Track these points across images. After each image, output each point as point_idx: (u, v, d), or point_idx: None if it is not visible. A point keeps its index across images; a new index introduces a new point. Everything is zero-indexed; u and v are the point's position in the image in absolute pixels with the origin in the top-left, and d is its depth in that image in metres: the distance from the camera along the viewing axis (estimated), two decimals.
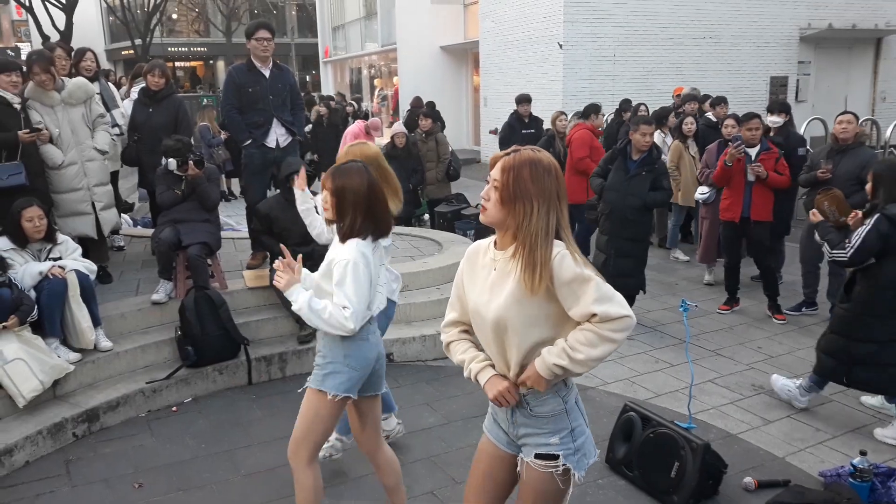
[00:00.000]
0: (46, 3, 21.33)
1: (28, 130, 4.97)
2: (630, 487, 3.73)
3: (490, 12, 16.82)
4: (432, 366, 5.35)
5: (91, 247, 5.48)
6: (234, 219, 9.94)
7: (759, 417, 4.49)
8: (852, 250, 4.14)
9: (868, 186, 4.37)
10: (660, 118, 8.60)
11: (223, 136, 11.60)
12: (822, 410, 4.58)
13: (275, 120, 5.87)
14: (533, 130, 9.74)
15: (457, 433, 4.32)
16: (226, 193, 12.47)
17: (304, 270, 2.94)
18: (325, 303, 2.75)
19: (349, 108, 15.93)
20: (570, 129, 8.41)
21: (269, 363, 5.13)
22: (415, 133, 9.38)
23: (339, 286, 2.76)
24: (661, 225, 8.83)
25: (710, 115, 8.38)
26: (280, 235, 5.44)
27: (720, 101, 8.55)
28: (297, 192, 3.70)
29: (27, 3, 22.07)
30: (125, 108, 6.58)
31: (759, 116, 6.33)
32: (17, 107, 5.07)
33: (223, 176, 12.18)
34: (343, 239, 2.83)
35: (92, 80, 6.11)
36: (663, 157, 8.17)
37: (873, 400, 4.57)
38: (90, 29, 32.54)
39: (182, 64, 41.66)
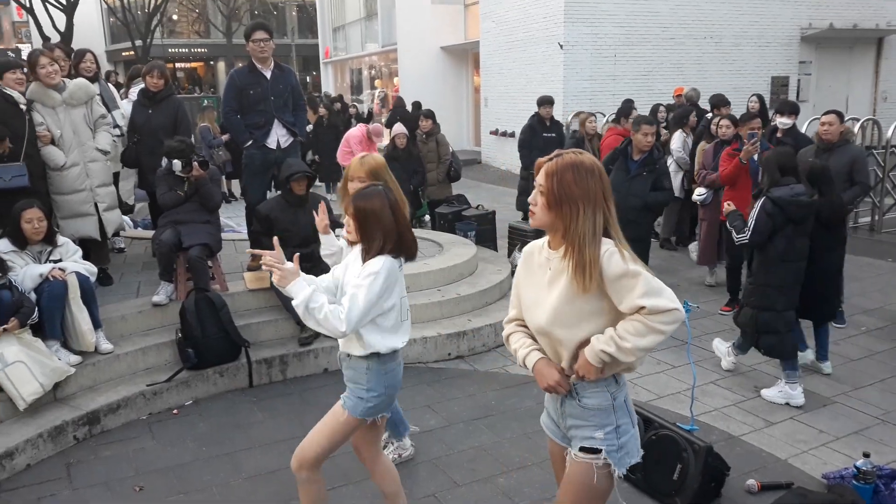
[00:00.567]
0: (47, 5, 21.35)
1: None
2: (632, 490, 3.72)
3: (490, 12, 16.82)
4: (433, 368, 5.33)
5: (92, 249, 5.47)
6: (234, 220, 9.93)
7: (762, 419, 4.47)
8: (749, 232, 4.68)
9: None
10: (681, 118, 8.42)
11: (224, 137, 11.60)
12: (825, 412, 4.57)
13: (276, 121, 5.87)
14: (554, 134, 9.33)
15: (458, 435, 4.31)
16: (226, 195, 12.46)
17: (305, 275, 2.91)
18: (322, 302, 2.69)
19: (352, 110, 15.93)
20: (604, 133, 8.21)
21: (269, 365, 5.12)
22: (415, 133, 9.36)
23: (354, 288, 2.74)
24: (667, 226, 8.78)
25: (710, 116, 8.35)
26: (280, 237, 5.42)
27: (723, 101, 8.47)
28: (321, 237, 3.51)
29: (28, 4, 22.09)
30: (125, 108, 6.58)
31: (758, 116, 6.31)
32: (24, 107, 5.07)
33: (223, 177, 12.18)
34: (366, 257, 2.81)
35: (92, 80, 6.10)
36: (680, 157, 8.12)
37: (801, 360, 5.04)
38: (91, 30, 32.57)
39: (182, 65, 41.67)
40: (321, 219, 3.45)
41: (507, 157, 16.80)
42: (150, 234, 6.44)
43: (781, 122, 7.04)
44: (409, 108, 15.09)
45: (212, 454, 4.15)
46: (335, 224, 3.76)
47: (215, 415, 4.65)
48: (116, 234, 6.36)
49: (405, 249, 2.87)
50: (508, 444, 4.19)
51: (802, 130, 8.74)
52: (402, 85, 20.74)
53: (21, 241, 4.57)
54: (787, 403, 4.65)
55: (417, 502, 3.63)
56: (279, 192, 5.52)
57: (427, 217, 9.54)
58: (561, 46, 14.20)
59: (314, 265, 5.42)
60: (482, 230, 8.04)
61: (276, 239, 2.90)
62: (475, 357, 5.52)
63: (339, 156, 10.80)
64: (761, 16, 15.49)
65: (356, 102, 17.17)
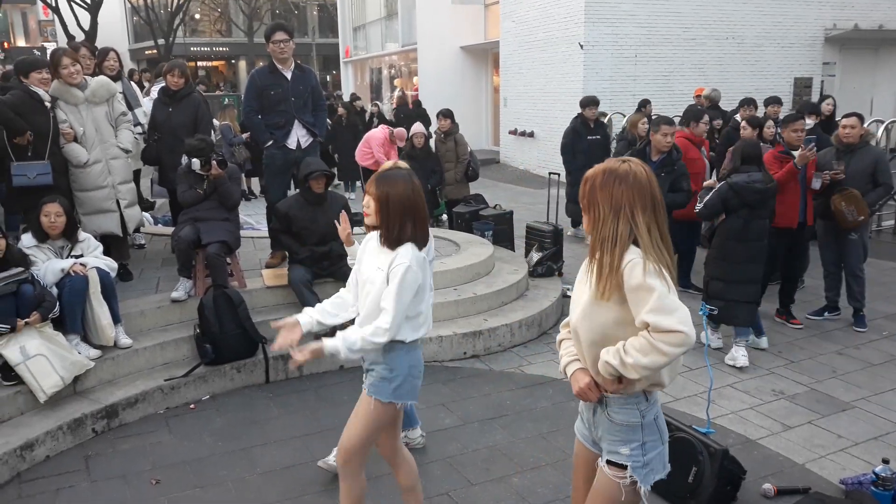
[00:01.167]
0: (72, 4, 21.61)
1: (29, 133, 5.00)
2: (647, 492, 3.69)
3: (511, 12, 16.79)
4: (449, 367, 5.34)
5: (112, 245, 5.53)
6: (254, 218, 9.99)
7: (780, 423, 4.43)
8: (702, 207, 5.34)
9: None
10: (689, 117, 8.29)
11: (245, 136, 11.68)
12: (844, 417, 4.51)
13: (296, 121, 5.90)
14: (599, 136, 8.98)
15: (473, 435, 4.31)
16: (246, 192, 12.55)
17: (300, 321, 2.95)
18: (354, 338, 2.74)
19: (373, 109, 15.94)
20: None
21: (286, 362, 5.15)
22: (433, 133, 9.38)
23: (389, 291, 2.73)
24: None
25: (738, 117, 8.21)
26: (299, 235, 5.47)
27: (748, 102, 8.35)
28: (347, 248, 3.53)
29: (53, 4, 22.37)
30: (147, 107, 6.65)
31: (803, 117, 6.03)
32: (48, 104, 5.14)
33: (243, 175, 12.27)
34: (392, 246, 2.78)
35: (115, 79, 6.17)
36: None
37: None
38: (114, 29, 32.95)
39: (204, 63, 42.03)
40: (343, 228, 3.46)
41: (526, 157, 16.78)
42: (170, 230, 6.51)
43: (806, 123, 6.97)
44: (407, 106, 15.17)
45: (228, 449, 4.18)
46: (355, 223, 3.77)
47: (232, 410, 4.69)
48: (137, 230, 6.44)
49: (422, 241, 2.85)
50: (523, 444, 4.18)
51: None
52: (421, 84, 20.77)
53: (41, 235, 4.64)
54: (732, 365, 5.19)
55: (431, 501, 3.63)
56: (298, 191, 5.56)
57: (444, 216, 9.55)
58: (581, 46, 14.14)
59: (332, 263, 5.47)
60: (499, 230, 8.03)
61: (286, 337, 2.88)
62: (491, 357, 5.52)
63: (357, 155, 10.84)
64: (785, 16, 15.33)
65: (377, 102, 17.19)
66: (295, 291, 5.36)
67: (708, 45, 14.89)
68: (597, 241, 2.20)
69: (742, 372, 5.19)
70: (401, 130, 10.19)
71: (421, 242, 2.84)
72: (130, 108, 6.35)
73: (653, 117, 7.47)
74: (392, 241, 2.78)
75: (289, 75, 5.86)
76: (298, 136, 5.96)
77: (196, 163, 5.28)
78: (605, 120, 13.69)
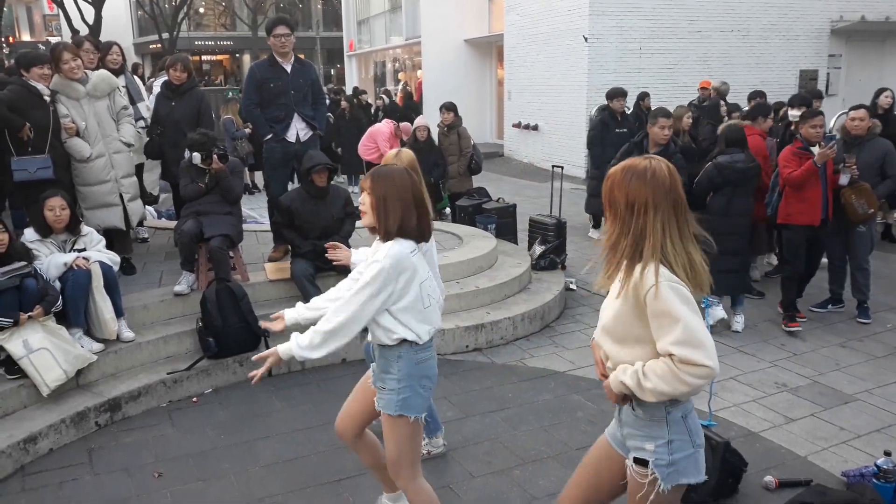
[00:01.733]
0: None
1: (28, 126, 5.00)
2: None
3: (515, 5, 16.74)
4: (451, 360, 5.34)
5: (115, 238, 5.55)
6: (257, 211, 10.02)
7: (782, 416, 4.42)
8: (694, 187, 5.58)
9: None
10: (712, 112, 7.94)
11: (248, 129, 11.69)
12: (847, 409, 4.50)
13: (295, 114, 5.90)
14: (626, 129, 8.69)
15: (474, 428, 4.31)
16: (249, 186, 12.56)
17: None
18: (305, 333, 2.74)
19: (378, 102, 15.92)
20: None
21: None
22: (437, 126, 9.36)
23: (356, 286, 2.72)
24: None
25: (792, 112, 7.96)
26: (301, 228, 5.47)
27: (759, 94, 8.18)
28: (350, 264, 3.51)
29: None
30: (150, 101, 6.65)
31: (822, 113, 5.87)
32: (48, 99, 5.14)
33: (246, 169, 12.28)
34: (385, 238, 2.75)
35: (118, 73, 6.18)
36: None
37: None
38: (118, 23, 32.96)
39: (208, 57, 42.03)
40: (344, 256, 3.51)
41: (530, 150, 16.74)
42: (173, 224, 6.52)
43: (793, 114, 6.90)
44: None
45: (230, 442, 4.20)
46: (355, 217, 3.79)
47: (234, 403, 4.70)
48: (140, 224, 6.45)
49: (421, 234, 2.81)
50: (524, 436, 4.19)
51: (830, 125, 8.60)
52: (425, 77, 20.72)
53: (44, 230, 4.65)
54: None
55: None
56: (300, 184, 5.56)
57: (447, 210, 9.54)
58: (586, 39, 14.09)
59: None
60: (502, 223, 8.02)
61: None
62: (493, 350, 5.52)
63: (361, 150, 10.84)
64: (790, 8, 15.24)
65: (383, 96, 17.11)
66: (297, 285, 5.36)
67: (713, 38, 14.81)
68: (614, 238, 2.20)
69: (744, 364, 5.18)
70: (406, 125, 10.19)
71: (425, 235, 2.84)
72: (133, 102, 6.36)
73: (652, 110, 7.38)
74: (385, 235, 2.74)
75: (289, 68, 5.86)
76: (298, 130, 5.96)
77: (197, 157, 5.29)
78: (595, 113, 13.66)
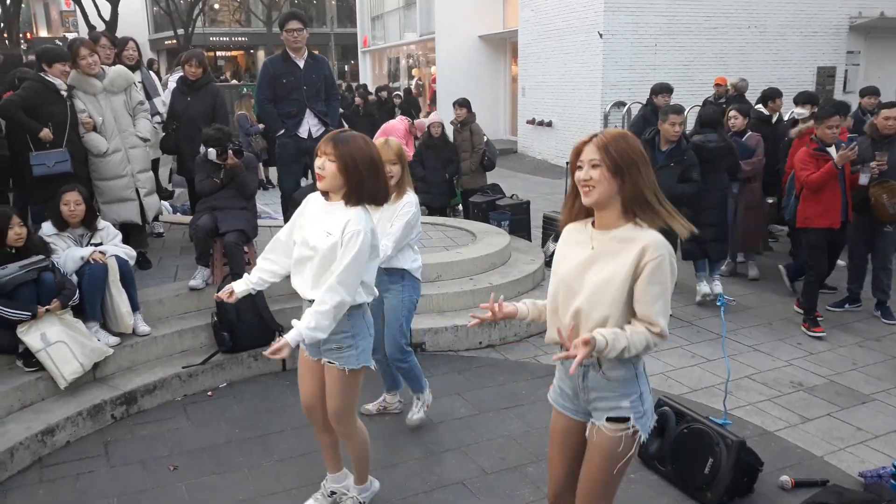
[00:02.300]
0: None
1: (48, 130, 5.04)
2: (662, 483, 3.68)
3: (530, 1, 16.68)
4: (464, 356, 5.34)
5: (131, 233, 5.58)
6: (271, 207, 10.04)
7: (798, 415, 4.39)
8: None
9: None
10: (813, 97, 7.43)
11: (261, 125, 11.74)
12: (864, 409, 4.46)
13: (308, 110, 5.91)
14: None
15: (488, 424, 4.31)
16: (264, 182, 12.60)
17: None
18: (307, 318, 2.81)
19: (396, 100, 15.88)
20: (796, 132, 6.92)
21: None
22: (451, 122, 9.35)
23: (342, 255, 2.80)
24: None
25: (760, 107, 7.90)
26: None
27: (775, 94, 8.04)
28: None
29: None
30: (166, 96, 6.68)
31: (836, 114, 5.71)
32: (64, 94, 5.18)
33: (261, 164, 12.32)
34: (354, 203, 2.85)
35: (134, 68, 6.21)
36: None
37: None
38: (135, 19, 33.11)
39: (223, 53, 42.20)
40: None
41: (544, 147, 16.69)
42: (188, 219, 6.55)
43: (798, 112, 6.81)
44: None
45: (245, 436, 4.22)
46: None
47: (249, 397, 4.73)
48: (156, 218, 6.49)
49: (384, 198, 2.96)
50: (537, 433, 4.17)
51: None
52: (439, 74, 20.72)
53: (61, 224, 4.69)
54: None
55: (446, 489, 3.65)
56: (313, 180, 5.56)
57: (460, 206, 9.54)
58: (600, 35, 14.02)
59: None
60: (516, 220, 8.01)
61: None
62: (506, 346, 5.51)
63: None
64: (808, 4, 15.10)
65: (402, 92, 17.09)
66: None
67: (729, 34, 14.70)
68: (640, 194, 2.29)
69: (760, 363, 5.15)
70: (420, 122, 10.19)
71: (383, 198, 2.95)
72: (149, 97, 6.39)
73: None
74: (353, 200, 2.83)
75: (301, 64, 5.87)
76: (310, 126, 5.97)
77: (212, 152, 5.30)
78: (624, 110, 13.60)
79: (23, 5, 21.84)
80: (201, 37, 33.32)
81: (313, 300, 2.87)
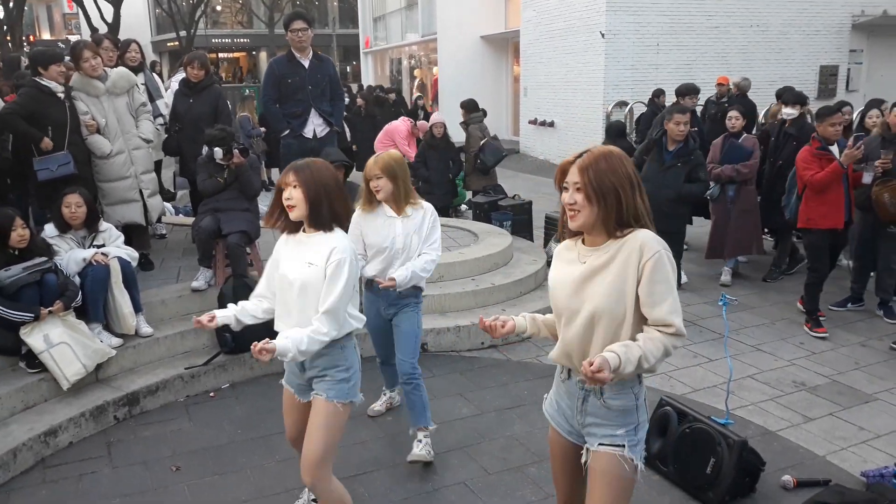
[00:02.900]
0: None
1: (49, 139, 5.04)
2: (664, 482, 3.68)
3: (532, 1, 16.68)
4: (466, 356, 5.34)
5: (134, 234, 5.59)
6: None
7: (800, 415, 4.39)
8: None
9: None
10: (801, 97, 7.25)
11: (263, 130, 11.77)
12: (866, 409, 4.45)
13: (313, 110, 5.91)
14: (696, 128, 7.99)
15: (490, 424, 4.31)
16: (266, 183, 12.62)
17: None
18: (298, 335, 2.71)
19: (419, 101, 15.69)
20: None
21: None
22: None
23: (331, 283, 2.73)
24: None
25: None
26: None
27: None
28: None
29: None
30: (168, 98, 6.70)
31: (839, 111, 5.65)
32: (61, 96, 5.18)
33: (263, 166, 12.34)
34: (325, 228, 2.78)
35: (136, 70, 6.22)
36: None
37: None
38: (137, 21, 33.16)
39: (226, 55, 42.24)
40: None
41: (546, 147, 16.69)
42: (191, 220, 6.56)
43: (786, 112, 6.72)
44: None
45: (247, 437, 4.22)
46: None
47: (251, 398, 4.73)
48: (159, 220, 6.50)
49: (346, 218, 2.91)
50: (540, 434, 4.17)
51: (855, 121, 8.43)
52: (441, 74, 20.72)
53: (63, 226, 4.70)
54: None
55: (448, 489, 3.65)
56: None
57: (463, 206, 9.55)
58: (602, 35, 14.02)
59: None
60: (518, 220, 8.02)
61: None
62: (508, 347, 5.51)
63: (377, 146, 10.85)
64: (811, 3, 15.08)
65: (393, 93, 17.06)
66: None
67: (732, 33, 14.69)
68: (629, 214, 2.21)
69: (762, 362, 5.14)
70: (423, 123, 10.20)
71: (346, 222, 2.91)
72: (152, 99, 6.41)
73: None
74: (324, 224, 2.77)
75: (306, 64, 5.88)
76: (315, 126, 5.97)
77: (219, 152, 5.30)
78: (626, 110, 13.59)
79: (25, 8, 21.88)
80: (203, 38, 33.37)
81: None
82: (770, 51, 14.95)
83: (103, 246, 4.79)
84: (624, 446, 2.29)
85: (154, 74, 7.31)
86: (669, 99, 9.90)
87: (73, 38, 27.95)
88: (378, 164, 3.62)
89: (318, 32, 6.08)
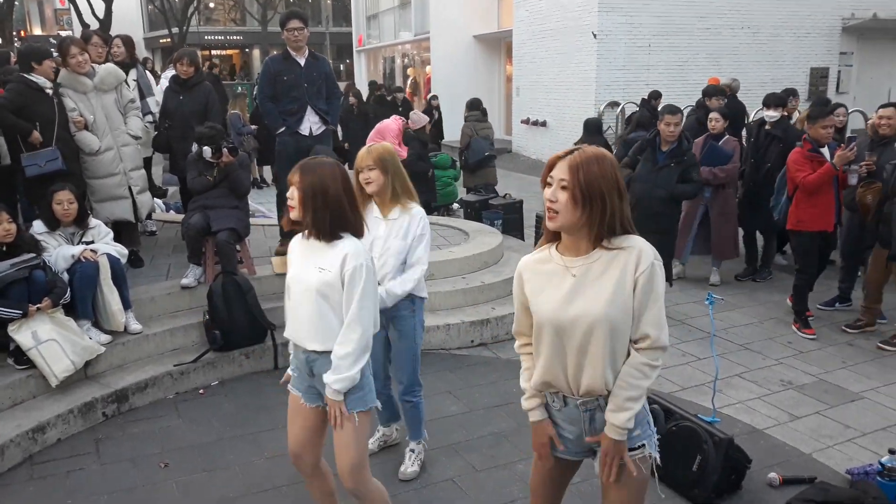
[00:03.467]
0: None
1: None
2: (651, 480, 3.69)
3: (524, 1, 16.69)
4: (456, 354, 5.35)
5: (123, 231, 5.58)
6: (265, 206, 10.05)
7: (787, 413, 4.42)
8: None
9: None
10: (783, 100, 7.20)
11: (254, 127, 11.76)
12: (853, 407, 4.49)
13: (308, 108, 5.91)
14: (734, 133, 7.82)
15: (478, 422, 4.33)
16: (257, 180, 12.61)
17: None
18: (338, 364, 2.66)
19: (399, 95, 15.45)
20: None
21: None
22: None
23: (354, 298, 2.65)
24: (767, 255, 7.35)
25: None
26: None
27: (791, 93, 7.73)
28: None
29: None
30: (159, 95, 6.68)
31: (832, 112, 5.60)
32: (49, 92, 5.16)
33: (255, 163, 12.32)
34: (328, 238, 2.67)
35: (129, 66, 6.20)
36: None
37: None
38: (129, 17, 33.08)
39: (218, 52, 42.14)
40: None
41: (538, 147, 16.72)
42: (180, 217, 6.55)
43: (768, 115, 6.70)
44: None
45: (236, 434, 4.22)
46: None
47: (240, 395, 4.73)
48: (149, 216, 6.48)
49: (353, 229, 2.73)
50: (528, 431, 4.16)
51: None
52: (434, 73, 20.72)
53: (52, 222, 4.69)
54: None
55: (437, 486, 3.66)
56: None
57: (455, 205, 9.57)
58: (594, 36, 14.05)
59: None
60: (509, 219, 8.03)
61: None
62: (498, 345, 5.53)
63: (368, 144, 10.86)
64: (802, 5, 15.15)
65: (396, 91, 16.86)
66: None
67: (723, 35, 14.75)
68: (614, 222, 2.16)
69: (750, 361, 5.18)
70: (414, 121, 10.15)
71: (358, 232, 2.75)
72: (143, 96, 6.39)
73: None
74: (326, 233, 2.65)
75: (302, 62, 5.88)
76: (311, 124, 5.97)
77: (207, 150, 5.30)
78: (618, 110, 13.63)
79: (16, 3, 21.76)
80: (196, 35, 33.29)
81: (312, 350, 2.73)
82: (761, 52, 15.02)
83: (92, 242, 4.78)
84: (644, 445, 2.28)
85: (146, 71, 7.29)
86: (664, 100, 9.95)
87: (64, 34, 27.80)
88: (371, 154, 3.38)
89: (311, 30, 6.07)
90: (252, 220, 5.93)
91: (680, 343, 5.51)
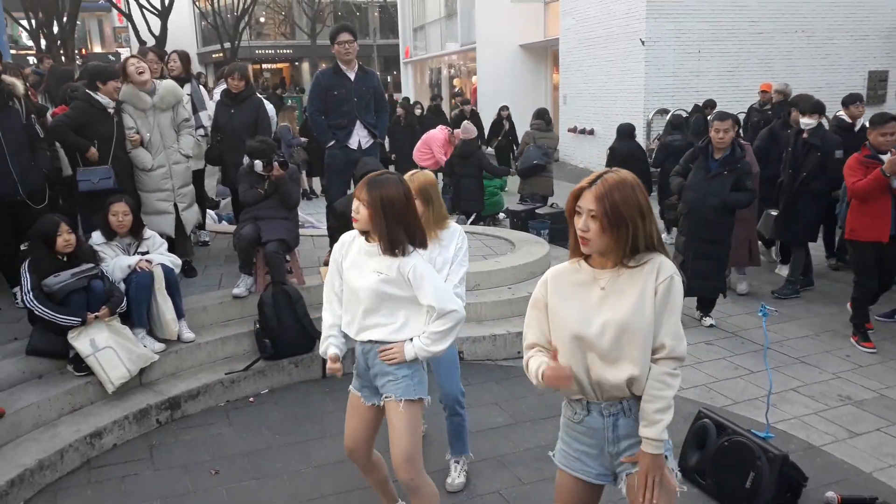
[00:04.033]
0: (143, 10, 22.44)
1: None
2: (702, 496, 3.62)
3: (571, 9, 16.62)
4: (502, 365, 5.33)
5: (177, 242, 5.72)
6: (314, 216, 10.19)
7: (845, 430, 4.27)
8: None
9: None
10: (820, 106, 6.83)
11: (304, 140, 11.96)
12: None
13: (357, 122, 5.98)
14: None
15: (525, 434, 4.30)
16: (307, 192, 12.79)
17: None
18: (423, 346, 2.80)
19: (416, 111, 15.45)
20: None
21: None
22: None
23: (428, 288, 2.75)
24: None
25: (842, 114, 7.29)
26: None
27: (855, 98, 7.33)
28: None
29: (126, 11, 23.27)
30: (212, 109, 6.83)
31: (894, 119, 5.39)
32: (111, 111, 5.34)
33: (304, 174, 12.50)
34: (392, 253, 2.75)
35: (184, 81, 6.37)
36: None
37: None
38: (183, 33, 33.99)
39: (269, 66, 42.99)
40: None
41: (586, 155, 16.58)
42: (233, 228, 6.68)
43: (805, 122, 6.43)
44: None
45: (284, 442, 4.28)
46: None
47: (289, 404, 4.79)
48: (202, 227, 6.63)
49: (420, 243, 2.83)
50: None
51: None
52: (480, 83, 20.80)
53: (109, 233, 4.83)
54: None
55: (483, 499, 3.65)
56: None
57: (501, 215, 9.56)
58: (643, 43, 13.90)
59: None
60: (556, 229, 7.98)
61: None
62: None
63: (415, 156, 10.93)
64: (859, 6, 14.71)
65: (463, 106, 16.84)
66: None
67: (776, 39, 14.42)
68: (643, 241, 2.23)
69: (806, 375, 5.02)
70: (458, 131, 10.21)
71: (421, 246, 2.83)
72: (196, 111, 6.54)
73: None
74: (390, 248, 2.74)
75: (352, 76, 5.96)
76: (360, 137, 6.04)
77: (258, 164, 5.40)
78: (667, 117, 13.43)
79: (78, 22, 22.59)
80: (247, 50, 34.02)
81: (367, 341, 2.87)
82: (816, 56, 14.63)
83: (147, 253, 4.92)
84: (667, 457, 2.27)
85: (200, 86, 7.47)
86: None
87: (122, 51, 28.77)
88: (413, 183, 3.20)
89: (359, 43, 6.15)
90: (301, 231, 6.02)
91: (732, 356, 5.38)
